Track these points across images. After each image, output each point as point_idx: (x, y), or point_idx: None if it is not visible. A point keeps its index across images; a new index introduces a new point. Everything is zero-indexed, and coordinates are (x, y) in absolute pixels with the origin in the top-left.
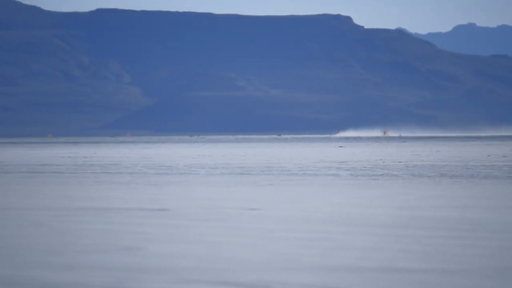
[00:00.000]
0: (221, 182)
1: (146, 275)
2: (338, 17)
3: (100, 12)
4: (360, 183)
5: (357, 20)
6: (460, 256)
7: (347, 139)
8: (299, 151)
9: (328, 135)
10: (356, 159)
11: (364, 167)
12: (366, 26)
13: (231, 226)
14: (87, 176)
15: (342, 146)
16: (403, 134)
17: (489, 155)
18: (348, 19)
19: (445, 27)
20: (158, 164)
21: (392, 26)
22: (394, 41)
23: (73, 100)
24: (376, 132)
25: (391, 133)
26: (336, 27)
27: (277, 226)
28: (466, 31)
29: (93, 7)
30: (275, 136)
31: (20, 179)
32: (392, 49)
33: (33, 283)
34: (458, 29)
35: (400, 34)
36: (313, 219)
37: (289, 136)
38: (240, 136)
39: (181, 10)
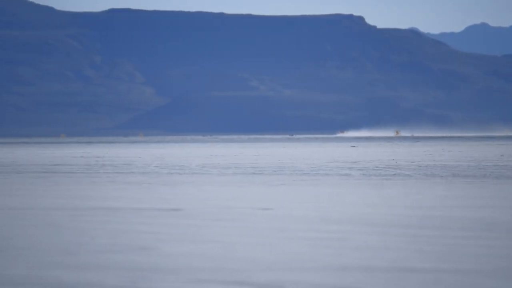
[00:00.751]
0: (234, 182)
1: (160, 275)
2: (350, 17)
3: (112, 12)
4: (372, 183)
5: (369, 20)
6: (473, 256)
7: (354, 139)
8: (311, 151)
9: (339, 135)
10: (368, 159)
11: (377, 167)
12: (379, 26)
13: (243, 226)
14: (100, 176)
15: (354, 146)
16: (416, 134)
17: (502, 155)
18: (360, 19)
19: (458, 27)
20: (170, 164)
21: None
22: (407, 41)
23: (86, 100)
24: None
25: (403, 133)
26: (348, 27)
27: (290, 226)
28: (479, 31)
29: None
30: (288, 136)
31: (33, 179)
32: (404, 49)
33: (47, 283)
34: (471, 29)
35: (413, 34)
36: (325, 219)
37: (301, 136)
38: (252, 136)
39: (193, 10)
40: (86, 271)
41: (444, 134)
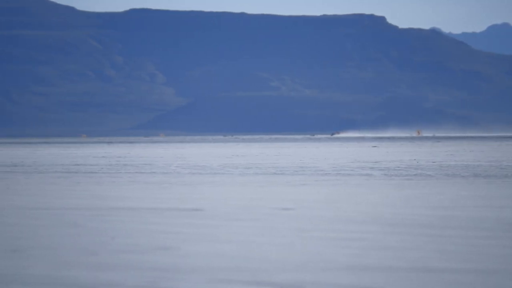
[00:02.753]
0: (255, 182)
1: (180, 275)
2: (371, 17)
3: (133, 12)
4: (394, 183)
5: (391, 20)
6: (494, 256)
7: (375, 139)
8: (332, 151)
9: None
10: (389, 159)
11: (398, 167)
12: (400, 26)
13: (265, 226)
14: (121, 176)
15: (375, 146)
16: (437, 134)
17: None
18: (382, 19)
19: (479, 27)
20: (192, 164)
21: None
22: (428, 41)
23: (107, 100)
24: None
25: (425, 133)
26: (370, 27)
27: (311, 226)
28: (501, 31)
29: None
30: (309, 136)
31: (54, 179)
32: (425, 49)
33: (67, 283)
34: (492, 28)
35: (434, 34)
36: (347, 219)
37: (322, 136)
38: (273, 136)
39: (215, 10)
40: (106, 271)
41: (466, 134)
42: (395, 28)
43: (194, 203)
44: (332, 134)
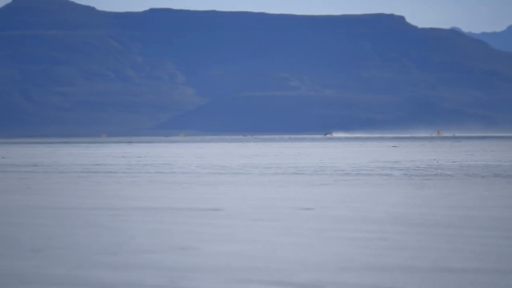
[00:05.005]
0: (275, 182)
1: (199, 274)
2: (391, 16)
3: (153, 12)
4: (413, 183)
5: (410, 20)
6: None
7: (394, 139)
8: (352, 151)
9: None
10: (409, 159)
11: (418, 167)
12: (420, 26)
13: (284, 226)
14: (140, 176)
15: (395, 146)
16: (457, 134)
17: None
18: (401, 18)
19: (499, 27)
20: (211, 164)
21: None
22: (448, 40)
23: (127, 100)
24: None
25: (444, 133)
26: (389, 27)
27: (331, 226)
28: None
29: (146, 7)
30: (328, 135)
31: (74, 178)
32: (445, 49)
33: (88, 283)
34: None
35: (454, 33)
36: (366, 219)
37: (342, 136)
38: (293, 136)
39: (234, 10)
40: (126, 271)
41: (486, 134)
42: (414, 28)
43: (213, 203)
44: (325, 135)
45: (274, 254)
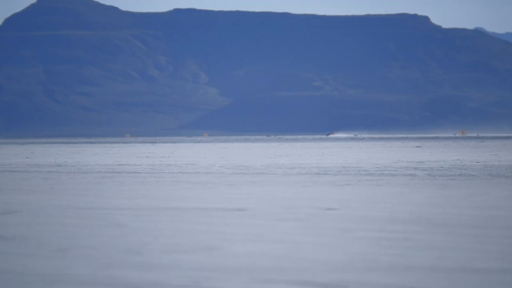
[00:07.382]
0: (298, 182)
1: (224, 275)
2: (415, 16)
3: (177, 12)
4: (437, 183)
5: (434, 20)
6: None
7: (418, 139)
8: (376, 151)
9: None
10: (433, 159)
11: (442, 167)
12: (444, 26)
13: (309, 226)
14: (164, 176)
15: (419, 146)
16: (481, 134)
17: None
18: (425, 18)
19: None
20: (235, 164)
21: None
22: (472, 40)
23: (151, 100)
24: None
25: (469, 133)
26: (413, 27)
27: (355, 226)
28: None
29: (170, 7)
30: (352, 136)
31: (98, 179)
32: (469, 49)
33: (112, 283)
34: None
35: (478, 33)
36: (391, 219)
37: (366, 136)
38: (317, 136)
39: (257, 10)
40: (150, 271)
41: (510, 134)
42: (438, 28)
43: (237, 203)
44: (328, 135)
45: (298, 254)
